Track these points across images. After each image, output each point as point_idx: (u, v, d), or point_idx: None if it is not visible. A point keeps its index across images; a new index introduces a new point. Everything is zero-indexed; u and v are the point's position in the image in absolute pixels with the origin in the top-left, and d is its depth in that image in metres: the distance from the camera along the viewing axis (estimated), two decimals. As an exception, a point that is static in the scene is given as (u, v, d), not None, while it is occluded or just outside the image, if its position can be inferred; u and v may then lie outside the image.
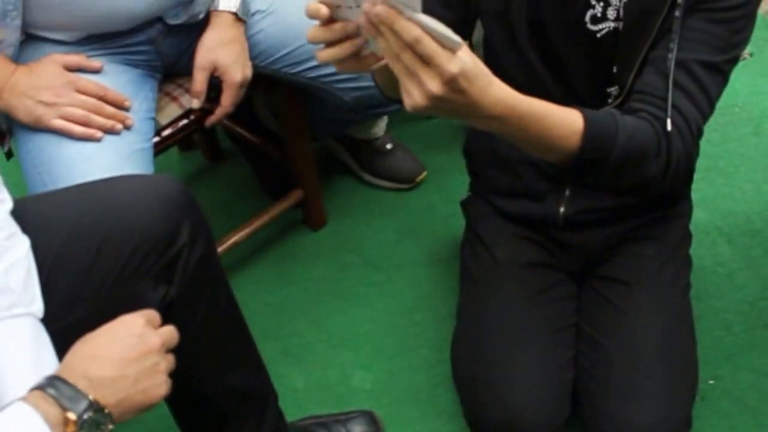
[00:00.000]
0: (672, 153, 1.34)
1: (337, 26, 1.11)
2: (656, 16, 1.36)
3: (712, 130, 2.63)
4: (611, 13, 1.44)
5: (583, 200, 1.67)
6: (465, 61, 1.04)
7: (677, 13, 1.34)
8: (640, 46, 1.40)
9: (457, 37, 1.03)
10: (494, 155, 1.72)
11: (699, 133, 1.40)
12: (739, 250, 2.29)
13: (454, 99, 1.06)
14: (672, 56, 1.34)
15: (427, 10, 1.07)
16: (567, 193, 1.67)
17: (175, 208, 1.42)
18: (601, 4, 1.44)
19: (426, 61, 1.03)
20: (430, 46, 1.01)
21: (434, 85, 1.04)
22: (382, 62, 1.15)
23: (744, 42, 1.39)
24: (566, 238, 1.71)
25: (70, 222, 1.37)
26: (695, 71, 1.35)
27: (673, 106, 1.33)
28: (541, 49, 1.51)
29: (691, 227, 1.81)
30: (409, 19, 1.02)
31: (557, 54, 1.51)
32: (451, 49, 1.04)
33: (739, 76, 2.80)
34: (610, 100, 1.49)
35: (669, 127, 1.32)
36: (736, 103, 2.74)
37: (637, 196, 1.61)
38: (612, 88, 1.49)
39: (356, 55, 1.15)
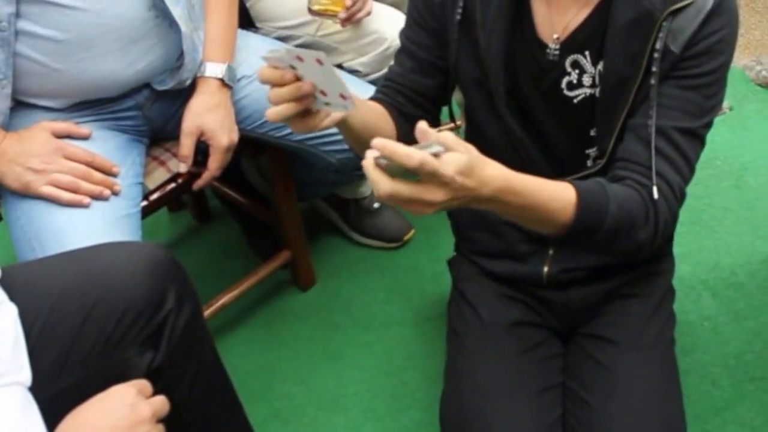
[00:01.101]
0: (659, 218, 1.37)
1: (290, 88, 1.20)
2: (631, 84, 1.39)
3: (694, 184, 2.58)
4: (587, 80, 1.47)
5: (567, 260, 1.68)
6: (454, 159, 1.09)
7: (653, 81, 1.37)
8: (618, 113, 1.43)
9: (438, 147, 1.07)
10: (477, 216, 1.74)
11: (682, 197, 1.43)
12: (724, 303, 2.30)
13: (459, 196, 1.12)
14: (653, 115, 1.37)
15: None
16: (550, 252, 1.69)
17: (161, 274, 1.43)
18: (577, 71, 1.47)
19: (428, 176, 1.08)
20: (433, 163, 1.06)
21: (438, 195, 1.10)
22: (334, 117, 1.24)
23: (717, 105, 1.42)
24: (551, 297, 1.72)
25: (58, 290, 1.38)
26: (674, 138, 1.38)
27: (657, 173, 1.37)
28: (520, 114, 1.54)
29: (676, 281, 1.82)
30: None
31: (536, 119, 1.54)
32: (439, 156, 1.08)
33: (719, 130, 2.84)
34: (589, 162, 1.52)
35: (656, 195, 1.36)
36: (717, 156, 2.77)
37: (628, 259, 1.64)
38: (591, 150, 1.51)
39: (305, 114, 1.23)
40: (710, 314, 2.27)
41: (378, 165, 1.08)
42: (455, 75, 1.56)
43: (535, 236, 1.66)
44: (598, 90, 1.46)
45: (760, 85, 3.09)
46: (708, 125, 1.42)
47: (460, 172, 1.09)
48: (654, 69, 1.36)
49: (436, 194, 1.09)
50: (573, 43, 1.45)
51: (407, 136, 1.52)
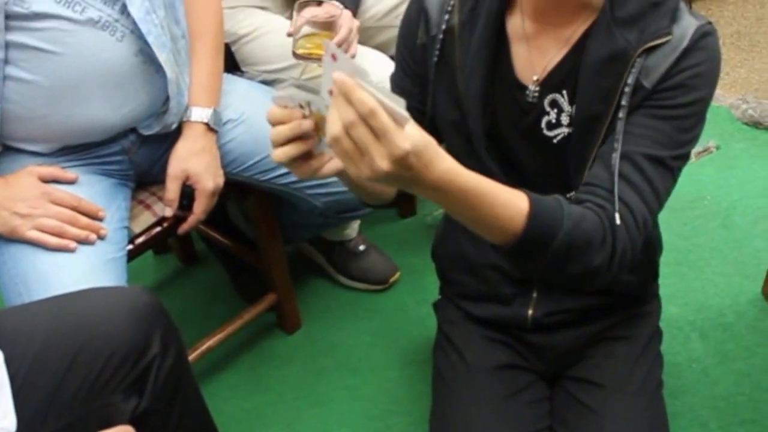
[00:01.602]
0: (617, 245, 1.32)
1: (291, 125, 1.17)
2: (603, 120, 1.38)
3: (682, 224, 2.67)
4: (565, 119, 1.46)
5: (551, 302, 1.68)
6: (415, 136, 1.05)
7: (621, 115, 1.35)
8: (590, 150, 1.41)
9: (405, 112, 1.03)
10: (461, 259, 1.74)
11: (645, 226, 1.37)
12: (712, 344, 2.30)
13: (401, 174, 1.06)
14: (618, 147, 1.34)
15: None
16: (534, 295, 1.68)
17: (146, 320, 1.43)
18: (555, 110, 1.47)
19: (377, 135, 1.03)
20: (384, 120, 1.01)
21: (384, 164, 1.04)
22: (337, 164, 1.21)
23: (692, 141, 1.39)
24: (536, 340, 1.72)
25: (43, 335, 1.38)
26: (641, 164, 1.34)
27: (619, 199, 1.33)
28: (500, 157, 1.53)
29: (664, 322, 1.82)
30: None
31: (516, 161, 1.54)
32: (400, 123, 1.03)
33: (706, 169, 2.86)
34: None
35: (618, 221, 1.31)
36: (704, 196, 2.78)
37: (582, 286, 1.54)
38: (572, 193, 1.50)
39: (308, 158, 1.20)
40: (698, 356, 2.27)
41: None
42: (433, 117, 1.57)
43: (519, 278, 1.66)
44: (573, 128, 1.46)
45: (746, 123, 3.11)
46: (680, 158, 1.38)
47: (415, 151, 1.04)
48: (623, 103, 1.35)
49: (383, 161, 1.03)
50: (551, 82, 1.46)
51: None
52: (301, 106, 1.16)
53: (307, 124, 1.17)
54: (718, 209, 2.74)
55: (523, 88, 1.48)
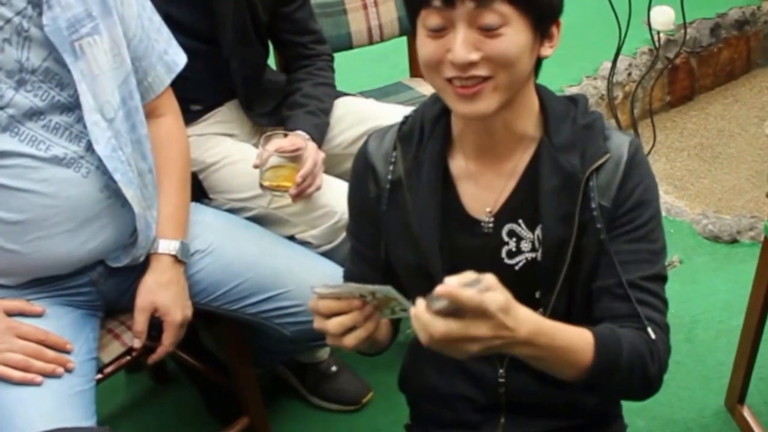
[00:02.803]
0: (660, 355, 1.42)
1: (353, 316, 1.29)
2: (568, 243, 1.44)
3: None
4: (525, 246, 1.50)
5: (519, 427, 1.67)
6: (495, 297, 1.16)
7: (603, 236, 1.43)
8: (558, 272, 1.46)
9: (481, 285, 1.15)
10: (428, 390, 1.74)
11: (667, 329, 1.48)
12: (679, 459, 2.31)
13: (498, 334, 1.18)
14: (623, 281, 1.42)
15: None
16: (502, 420, 1.69)
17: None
18: (514, 239, 1.50)
19: (475, 313, 1.15)
20: (479, 298, 1.14)
21: (483, 330, 1.16)
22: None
23: (664, 248, 1.48)
24: (505, 466, 1.73)
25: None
26: (645, 286, 1.43)
27: (647, 318, 1.42)
28: None
29: (631, 438, 1.83)
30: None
31: None
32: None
33: (670, 284, 2.81)
34: None
35: (653, 336, 1.40)
36: (669, 309, 2.79)
37: (639, 399, 1.58)
38: (538, 311, 1.53)
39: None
40: (666, 472, 2.28)
41: (434, 310, 1.14)
42: (390, 264, 1.60)
43: (485, 405, 1.67)
44: (539, 253, 1.49)
45: (707, 238, 3.18)
46: (664, 261, 1.47)
47: (501, 309, 1.15)
48: (599, 226, 1.42)
49: (481, 328, 1.15)
50: (506, 213, 1.50)
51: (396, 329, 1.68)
52: (362, 296, 1.25)
53: (369, 309, 1.28)
54: (682, 323, 2.79)
55: (477, 222, 1.52)
